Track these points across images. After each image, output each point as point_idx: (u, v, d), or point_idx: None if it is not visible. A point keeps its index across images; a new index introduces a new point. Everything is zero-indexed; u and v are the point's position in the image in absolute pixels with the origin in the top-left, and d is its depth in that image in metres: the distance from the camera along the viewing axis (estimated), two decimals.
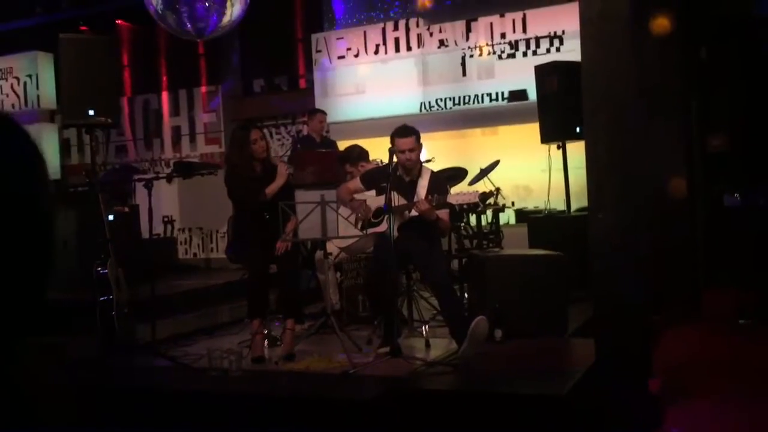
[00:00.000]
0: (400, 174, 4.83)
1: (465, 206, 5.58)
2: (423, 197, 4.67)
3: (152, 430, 3.97)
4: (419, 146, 4.80)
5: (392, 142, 4.76)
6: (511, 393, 3.80)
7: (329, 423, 3.75)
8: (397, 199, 4.75)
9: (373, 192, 4.96)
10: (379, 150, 6.03)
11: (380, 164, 5.72)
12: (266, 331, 5.12)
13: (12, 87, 10.53)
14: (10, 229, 0.75)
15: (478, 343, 4.32)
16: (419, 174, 4.86)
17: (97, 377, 4.57)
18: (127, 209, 7.80)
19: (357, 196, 4.95)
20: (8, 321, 0.77)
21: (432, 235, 4.82)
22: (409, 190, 4.81)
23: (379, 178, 4.90)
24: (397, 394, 3.84)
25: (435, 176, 4.96)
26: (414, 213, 4.73)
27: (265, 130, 9.51)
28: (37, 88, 10.33)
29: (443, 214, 4.71)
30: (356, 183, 5.06)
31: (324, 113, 7.73)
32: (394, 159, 4.77)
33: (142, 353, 4.97)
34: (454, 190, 6.02)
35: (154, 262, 5.93)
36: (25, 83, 10.44)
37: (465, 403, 3.79)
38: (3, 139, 0.78)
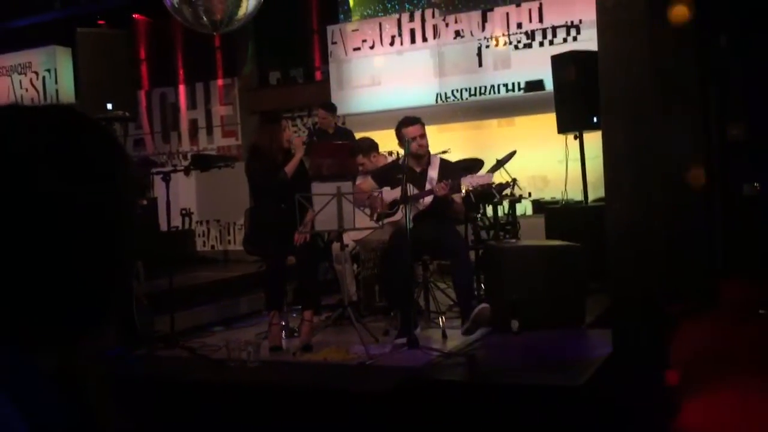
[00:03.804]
0: (411, 165, 4.89)
1: (480, 187, 5.59)
2: (435, 183, 4.80)
3: (171, 420, 4.01)
4: (425, 132, 4.90)
5: (399, 134, 4.87)
6: (528, 384, 3.81)
7: (346, 414, 3.77)
8: (411, 190, 4.80)
9: (387, 188, 5.01)
10: (393, 142, 6.04)
11: (392, 156, 5.77)
12: (284, 323, 5.16)
13: (31, 81, 10.62)
14: (80, 227, 0.76)
15: (477, 326, 4.41)
16: (428, 163, 4.95)
17: (116, 368, 4.62)
18: (145, 202, 7.87)
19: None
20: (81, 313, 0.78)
21: (448, 223, 4.91)
22: (420, 180, 4.88)
23: (390, 173, 4.98)
24: (414, 385, 3.85)
25: (444, 163, 5.05)
26: (427, 201, 4.80)
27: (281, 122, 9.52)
28: (56, 82, 10.41)
29: (456, 197, 4.86)
30: (369, 182, 5.12)
31: (324, 109, 7.65)
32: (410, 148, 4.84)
33: (161, 345, 5.01)
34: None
35: (172, 254, 5.97)
36: (43, 78, 10.53)
37: (482, 394, 3.79)
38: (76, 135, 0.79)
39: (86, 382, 0.81)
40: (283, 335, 5.07)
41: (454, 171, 4.99)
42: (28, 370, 0.73)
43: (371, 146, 5.93)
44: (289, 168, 4.95)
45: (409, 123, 4.88)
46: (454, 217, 5.07)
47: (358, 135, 7.58)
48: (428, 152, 5.01)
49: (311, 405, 3.89)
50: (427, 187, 4.86)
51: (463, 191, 5.09)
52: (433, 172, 4.91)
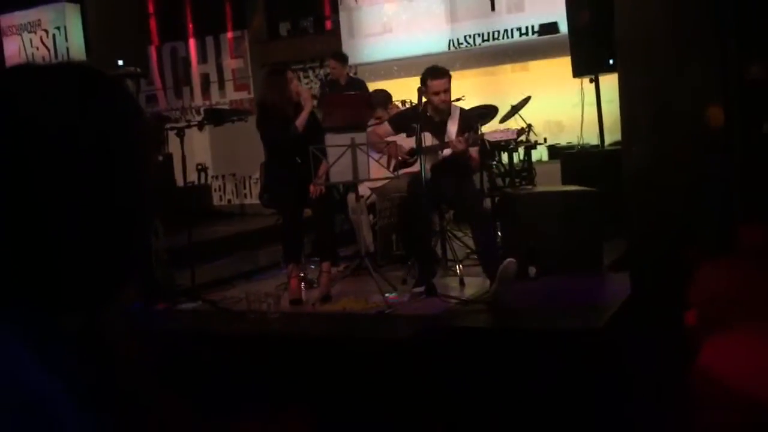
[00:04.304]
0: (430, 114, 4.82)
1: (503, 143, 5.56)
2: (454, 136, 4.69)
3: (194, 372, 4.09)
4: (450, 86, 4.78)
5: (424, 83, 4.74)
6: (547, 328, 3.84)
7: (366, 362, 3.83)
8: (430, 140, 4.75)
9: (403, 135, 4.96)
10: (406, 90, 6.00)
11: (407, 105, 5.71)
12: (302, 274, 5.21)
13: (41, 40, 10.57)
14: (102, 189, 0.76)
15: (507, 285, 4.34)
16: (449, 113, 4.85)
17: (140, 323, 4.70)
18: (160, 158, 7.89)
19: (388, 140, 4.97)
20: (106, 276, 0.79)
21: (465, 174, 4.85)
22: (439, 130, 4.81)
23: (408, 120, 4.90)
24: (432, 333, 3.90)
25: (465, 114, 4.96)
26: (446, 152, 4.74)
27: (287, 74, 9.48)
28: (66, 40, 10.35)
29: (473, 151, 4.75)
30: (385, 127, 5.06)
31: (335, 59, 7.49)
32: (423, 99, 4.76)
33: (183, 298, 5.08)
34: (485, 128, 5.99)
35: (189, 209, 6.01)
36: (54, 36, 10.46)
37: (501, 340, 3.83)
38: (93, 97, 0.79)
39: (109, 339, 0.83)
40: (302, 287, 5.13)
41: (473, 125, 4.90)
42: (51, 329, 0.74)
43: (387, 98, 5.89)
44: (300, 122, 4.92)
45: (436, 75, 4.70)
46: (470, 169, 5.01)
47: (370, 84, 7.51)
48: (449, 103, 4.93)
49: (331, 354, 3.95)
50: (446, 138, 4.79)
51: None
52: (452, 125, 4.81)
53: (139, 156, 0.80)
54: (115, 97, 0.81)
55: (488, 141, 5.25)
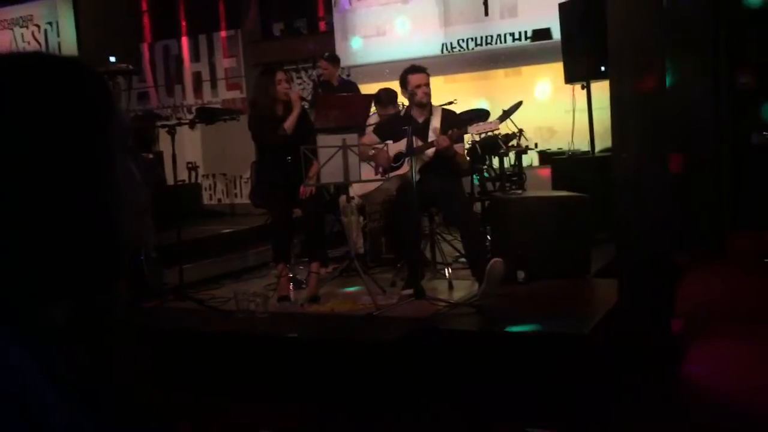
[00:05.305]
0: (414, 116, 4.89)
1: (486, 133, 5.57)
2: (438, 134, 4.75)
3: (181, 370, 4.08)
4: (429, 82, 4.89)
5: (403, 83, 4.86)
6: (534, 333, 3.85)
7: (354, 363, 3.83)
8: (414, 141, 4.78)
9: (389, 142, 4.98)
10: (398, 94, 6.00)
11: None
12: (291, 275, 5.20)
13: (33, 35, 10.53)
14: (72, 179, 0.76)
15: (495, 284, 4.35)
16: (431, 113, 4.92)
17: (128, 320, 4.67)
18: (151, 156, 7.86)
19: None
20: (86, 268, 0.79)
21: (453, 176, 4.87)
22: (423, 131, 4.85)
23: (392, 126, 4.95)
24: (421, 335, 3.90)
25: (446, 113, 5.03)
26: (431, 152, 4.77)
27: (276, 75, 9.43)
28: (58, 35, 10.31)
29: (458, 147, 4.83)
30: (371, 137, 5.10)
31: (327, 60, 7.47)
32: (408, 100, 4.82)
33: (171, 297, 5.06)
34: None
35: (179, 208, 5.99)
36: (45, 31, 10.42)
37: (488, 343, 3.84)
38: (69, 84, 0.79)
39: (104, 332, 0.82)
40: (291, 287, 5.12)
41: (456, 121, 4.97)
42: (45, 323, 0.74)
43: (394, 96, 5.92)
44: (289, 124, 4.92)
45: (415, 70, 4.86)
46: (457, 170, 5.02)
47: (363, 87, 7.51)
48: (430, 102, 4.98)
49: (319, 355, 3.94)
50: (431, 136, 4.83)
51: (469, 142, 5.07)
52: (435, 122, 4.89)
53: (117, 147, 0.80)
54: (90, 87, 0.81)
55: (476, 135, 5.27)
